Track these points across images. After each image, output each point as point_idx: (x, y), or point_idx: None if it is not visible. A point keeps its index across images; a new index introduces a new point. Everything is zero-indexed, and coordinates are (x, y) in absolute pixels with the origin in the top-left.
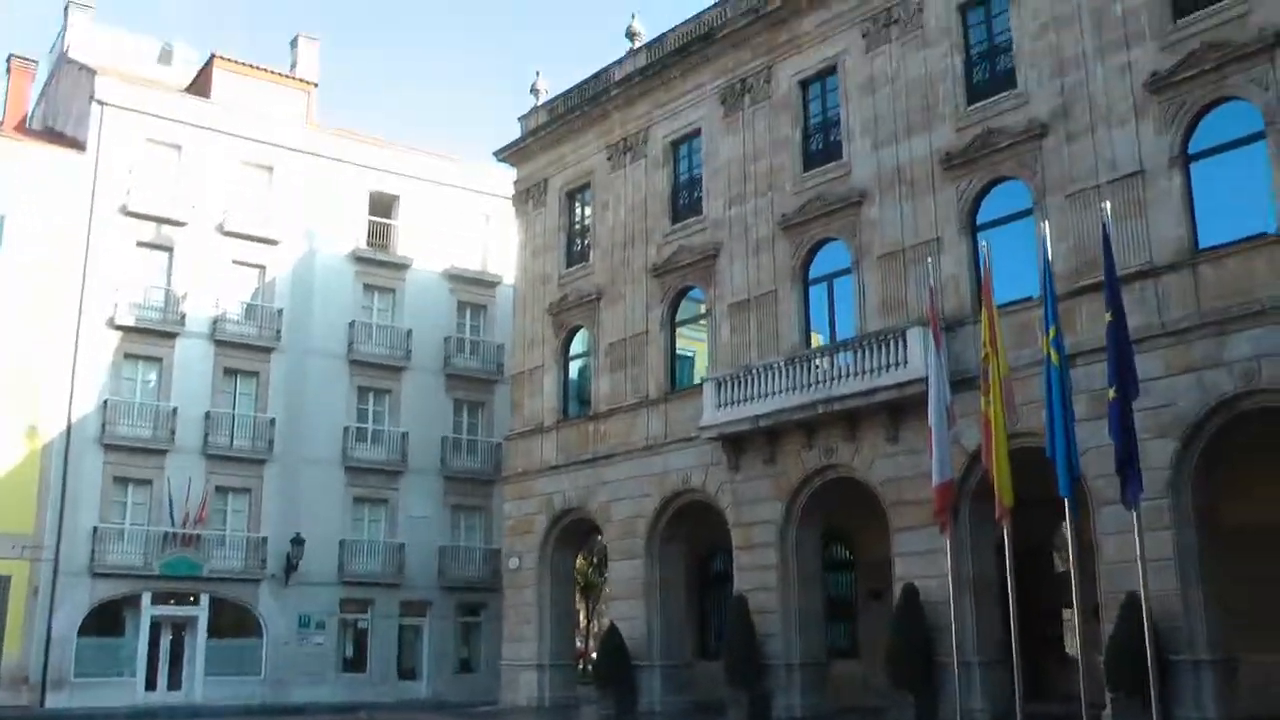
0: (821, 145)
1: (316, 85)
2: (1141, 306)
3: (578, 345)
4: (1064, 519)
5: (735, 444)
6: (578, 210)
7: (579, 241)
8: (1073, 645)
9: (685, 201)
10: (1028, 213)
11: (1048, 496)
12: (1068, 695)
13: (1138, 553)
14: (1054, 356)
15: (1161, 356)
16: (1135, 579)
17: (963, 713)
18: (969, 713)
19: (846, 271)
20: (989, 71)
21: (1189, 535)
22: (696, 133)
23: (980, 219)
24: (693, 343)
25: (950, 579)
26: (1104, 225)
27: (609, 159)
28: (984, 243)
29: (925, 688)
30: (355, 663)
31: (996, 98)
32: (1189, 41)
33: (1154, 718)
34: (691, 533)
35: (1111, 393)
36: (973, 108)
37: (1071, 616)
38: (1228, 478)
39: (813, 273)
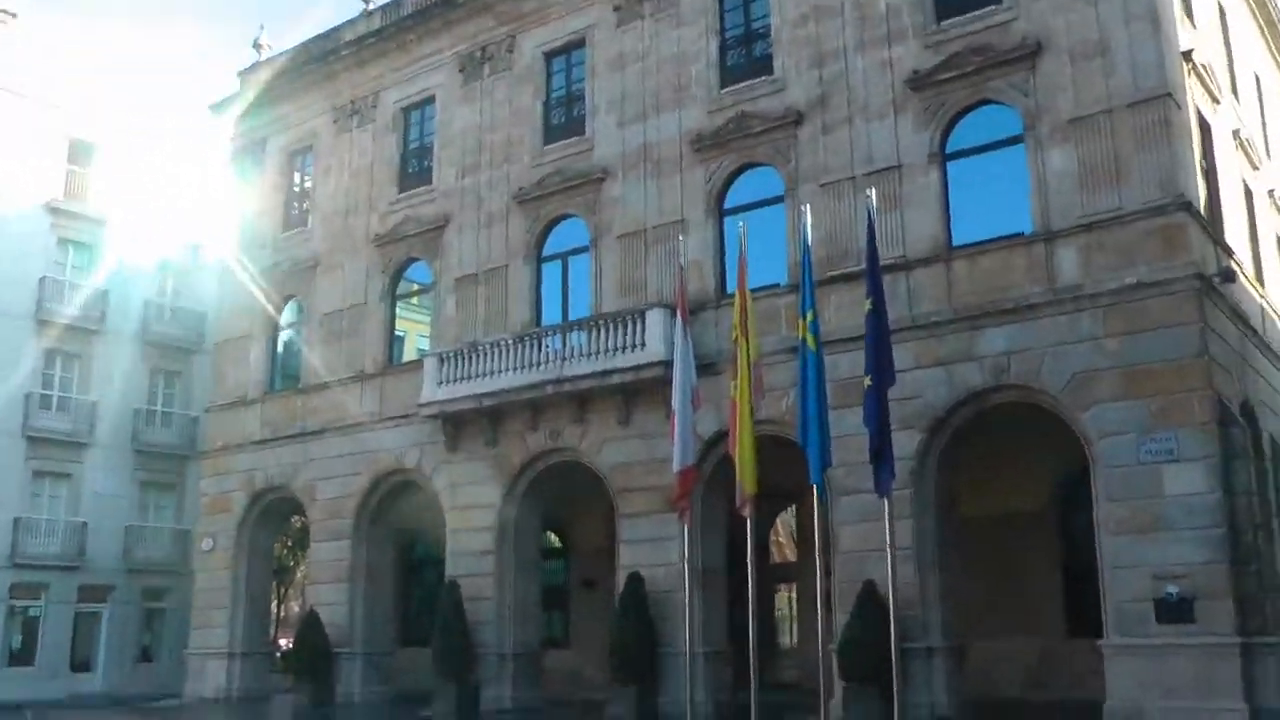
0: (564, 120)
1: (15, 16)
2: (893, 300)
3: (290, 314)
4: (783, 510)
5: (455, 423)
6: (298, 173)
7: (298, 206)
8: (790, 636)
9: (414, 170)
10: (778, 200)
11: (766, 488)
12: (785, 685)
13: (887, 541)
14: (811, 342)
15: (911, 349)
16: (872, 568)
17: (683, 704)
18: (690, 704)
19: (584, 250)
20: (745, 56)
21: (928, 525)
22: (431, 99)
23: (729, 203)
24: (405, 322)
25: (685, 567)
26: (869, 213)
27: (335, 122)
28: (742, 223)
29: (646, 679)
30: (22, 655)
31: (752, 83)
32: (952, 43)
33: (894, 706)
34: (403, 515)
35: (867, 380)
36: (726, 91)
37: (786, 607)
38: (966, 470)
39: (548, 249)
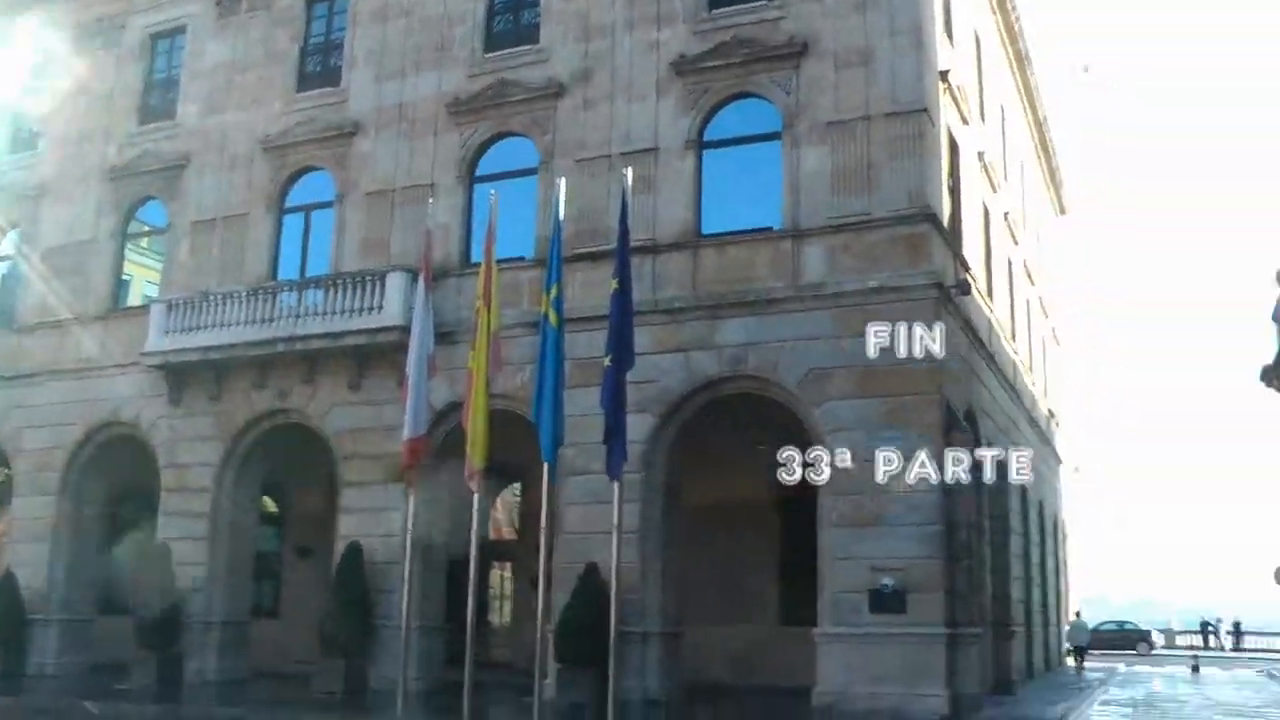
0: (320, 68)
1: None
2: (638, 283)
3: (10, 245)
4: (506, 488)
5: (179, 376)
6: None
7: (28, 128)
8: (502, 615)
9: (158, 103)
10: (532, 172)
11: (491, 464)
12: (497, 664)
13: (615, 524)
14: (553, 318)
15: (652, 333)
16: (595, 550)
17: (394, 680)
18: (403, 680)
19: (329, 205)
20: (512, 23)
21: (655, 510)
22: (182, 29)
23: (481, 170)
24: (136, 266)
25: (407, 540)
26: (624, 193)
27: (75, 40)
28: (493, 192)
29: (358, 653)
30: None
31: (516, 50)
32: (721, 32)
33: (610, 688)
34: (118, 472)
35: (607, 361)
36: (489, 56)
37: (499, 586)
38: (696, 457)
39: (291, 201)
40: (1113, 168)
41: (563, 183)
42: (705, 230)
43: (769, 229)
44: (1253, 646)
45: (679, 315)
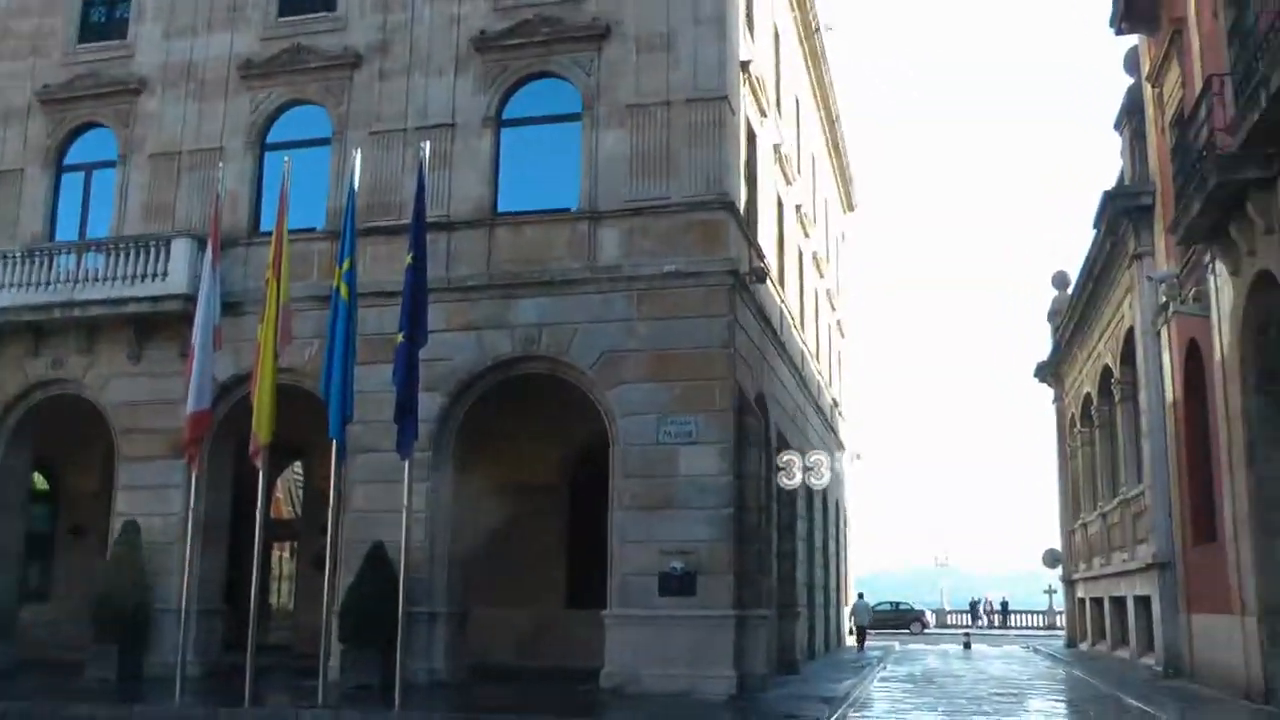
0: (104, 19)
1: None
2: (432, 260)
3: None
4: (288, 466)
5: None
6: None
7: None
8: (281, 596)
9: None
10: (325, 142)
11: (275, 441)
12: (277, 647)
13: (404, 503)
14: (344, 291)
15: (444, 311)
16: (382, 530)
17: (172, 665)
18: (181, 665)
19: (111, 164)
20: None
21: (444, 490)
22: None
23: (272, 138)
24: None
25: (189, 518)
26: (420, 167)
27: None
28: (286, 159)
29: (133, 637)
30: None
31: (313, 16)
32: (523, 10)
33: (397, 670)
34: None
35: (400, 337)
36: (284, 20)
37: (279, 567)
38: (486, 437)
39: (70, 158)
40: (902, 158)
41: (358, 155)
42: (502, 208)
43: (566, 210)
44: (1017, 624)
45: (472, 294)
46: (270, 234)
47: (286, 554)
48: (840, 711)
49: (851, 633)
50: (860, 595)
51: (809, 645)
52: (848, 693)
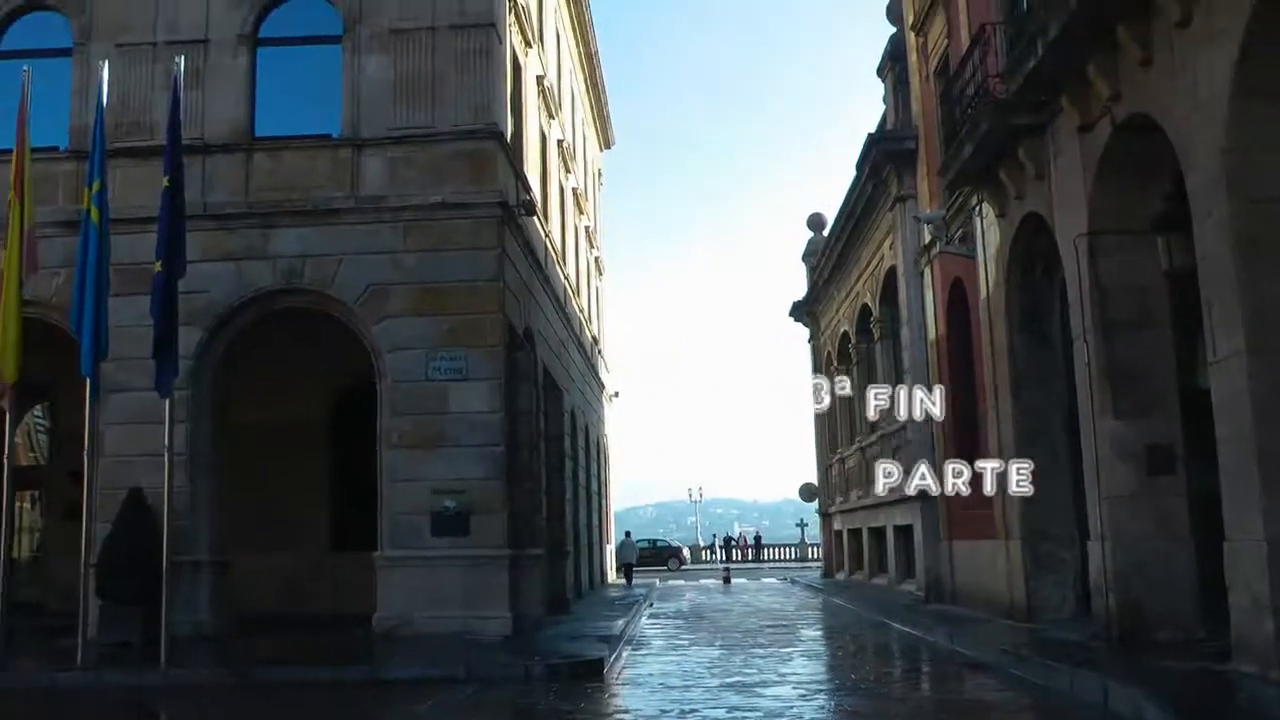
0: None
1: None
2: (187, 186)
3: None
4: (32, 408)
5: None
6: None
7: None
8: (26, 550)
9: None
10: (66, 52)
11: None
12: (24, 605)
13: (166, 445)
14: (95, 214)
15: (200, 240)
16: (140, 474)
17: None
18: None
19: None
20: None
21: (204, 430)
22: None
23: (5, 45)
24: None
25: None
26: (175, 84)
27: None
28: (26, 69)
29: None
30: None
31: None
32: None
33: (162, 623)
34: None
35: (157, 266)
36: None
37: (22, 518)
38: (245, 375)
39: None
40: (661, 96)
41: (105, 67)
42: (260, 132)
43: (328, 136)
44: (770, 557)
45: (230, 222)
46: (8, 152)
47: (28, 504)
48: (618, 650)
49: (619, 570)
50: (627, 534)
51: (576, 584)
52: (622, 631)
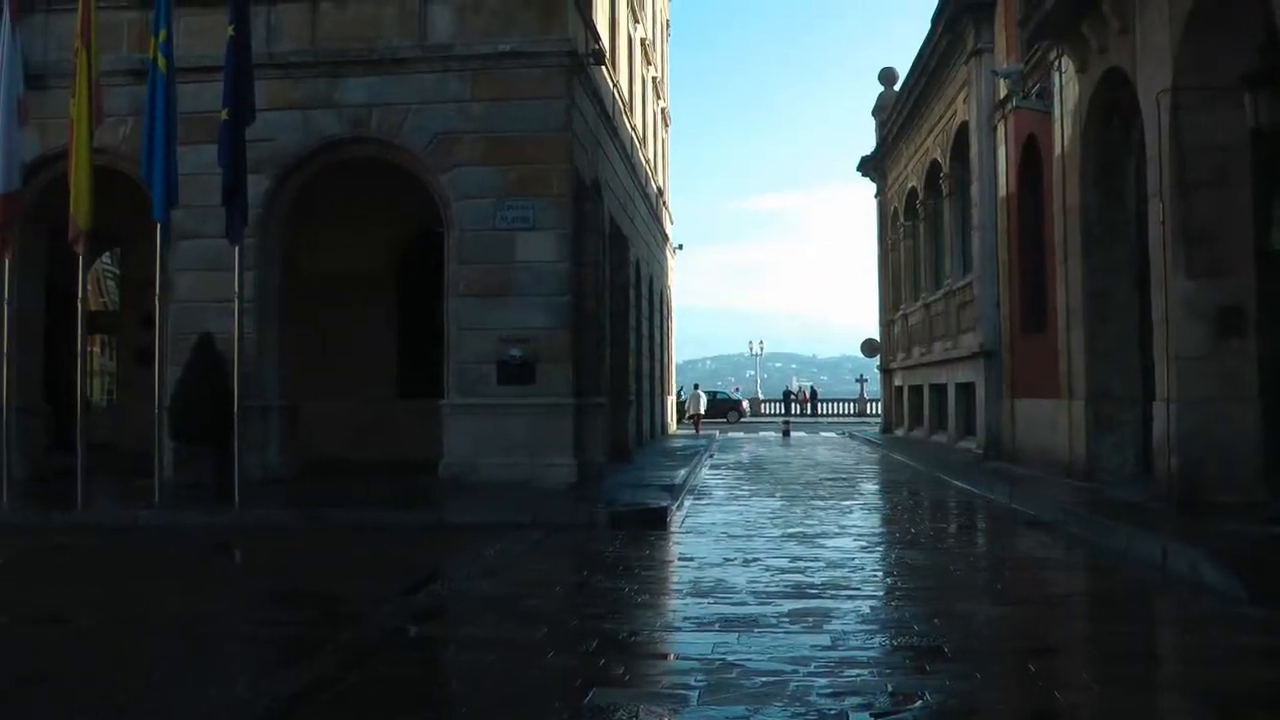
0: None
1: None
2: (253, 34)
3: None
4: (104, 254)
5: None
6: None
7: None
8: (105, 393)
9: None
10: None
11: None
12: (103, 446)
13: (236, 292)
14: (162, 63)
15: (266, 89)
16: (210, 320)
17: None
18: (8, 469)
19: None
20: None
21: (272, 278)
22: None
23: None
24: None
25: (4, 311)
26: None
27: None
28: None
29: None
30: None
31: None
32: None
33: (234, 465)
34: None
35: (224, 114)
36: None
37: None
38: (313, 224)
39: None
40: None
41: None
42: None
43: None
44: (827, 412)
45: (295, 71)
46: (74, 1)
47: (98, 349)
48: (680, 499)
49: (690, 419)
50: (696, 386)
51: (639, 433)
52: (684, 480)
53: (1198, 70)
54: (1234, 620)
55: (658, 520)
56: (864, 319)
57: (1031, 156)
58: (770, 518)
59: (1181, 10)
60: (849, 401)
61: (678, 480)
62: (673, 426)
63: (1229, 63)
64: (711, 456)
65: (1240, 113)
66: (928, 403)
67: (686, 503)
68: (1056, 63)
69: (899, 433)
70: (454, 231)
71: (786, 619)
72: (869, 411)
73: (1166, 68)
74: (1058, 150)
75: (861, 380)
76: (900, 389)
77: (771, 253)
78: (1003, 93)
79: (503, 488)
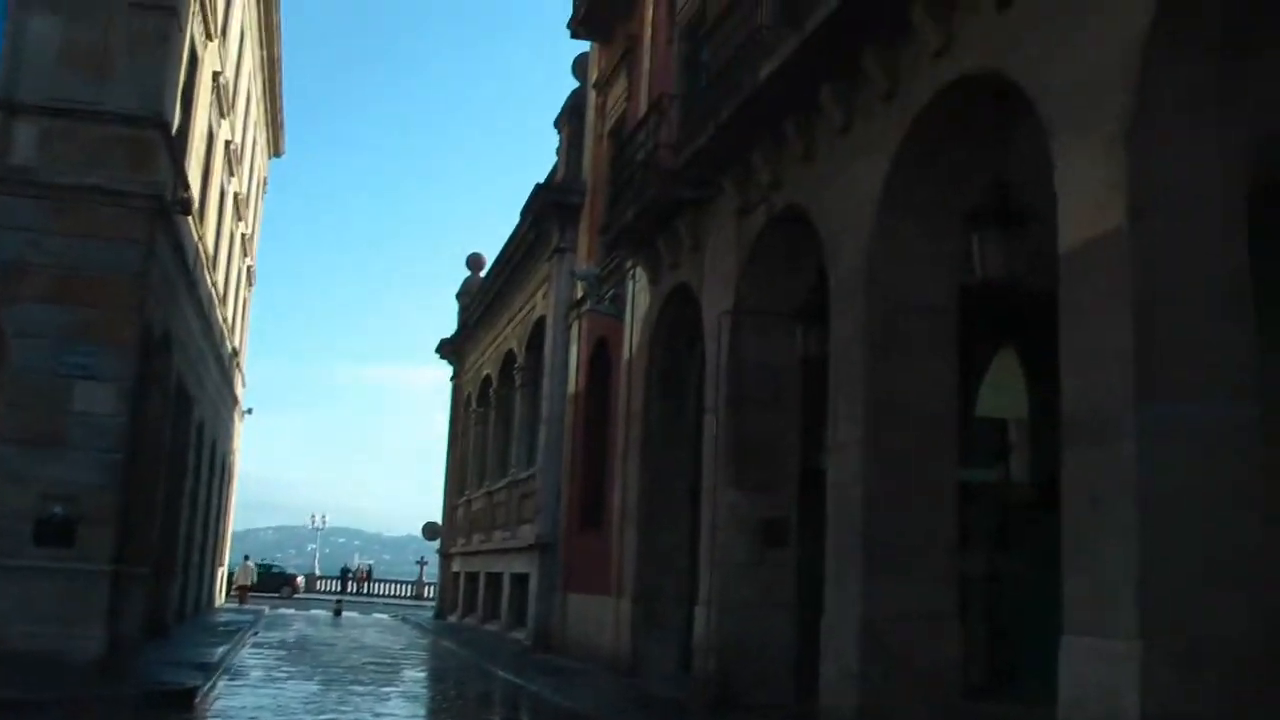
0: None
1: None
2: None
3: None
4: None
5: None
6: None
7: None
8: None
9: None
10: None
11: None
12: None
13: None
14: None
15: None
16: None
17: None
18: None
19: None
20: None
21: None
22: None
23: None
24: None
25: None
26: None
27: None
28: None
29: None
30: None
31: None
32: None
33: None
34: None
35: None
36: None
37: None
38: None
39: None
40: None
41: None
42: None
43: None
44: (385, 592)
45: None
46: None
47: None
48: (214, 679)
49: (237, 593)
50: (246, 557)
51: (180, 606)
52: (221, 659)
53: (758, 297)
54: None
55: (186, 701)
56: (436, 500)
57: (602, 357)
58: (304, 703)
59: (747, 239)
60: (408, 583)
61: (214, 659)
62: (221, 599)
63: (785, 294)
64: (256, 634)
65: (792, 340)
66: (483, 590)
67: (220, 683)
68: (632, 271)
69: (452, 619)
70: (9, 370)
71: None
72: (426, 595)
73: (730, 291)
74: (627, 355)
75: (422, 563)
76: (458, 574)
77: (353, 425)
78: (580, 293)
79: (27, 660)
